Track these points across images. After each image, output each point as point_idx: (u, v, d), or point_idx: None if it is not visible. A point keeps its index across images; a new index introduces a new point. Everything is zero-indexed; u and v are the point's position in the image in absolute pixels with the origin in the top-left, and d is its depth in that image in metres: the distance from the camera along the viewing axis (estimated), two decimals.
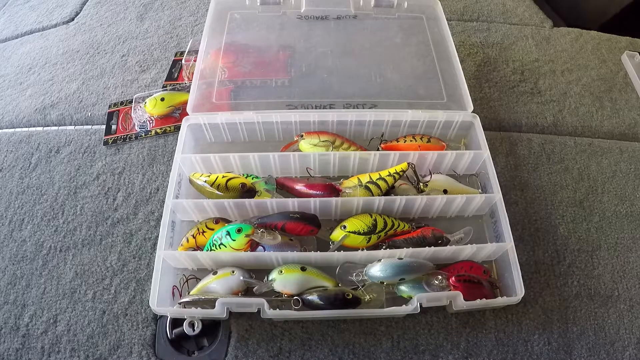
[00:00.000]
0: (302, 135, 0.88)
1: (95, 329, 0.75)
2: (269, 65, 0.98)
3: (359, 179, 0.81)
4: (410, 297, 0.71)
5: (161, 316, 0.75)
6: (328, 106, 0.90)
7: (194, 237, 0.78)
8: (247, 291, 0.74)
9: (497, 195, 0.80)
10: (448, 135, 0.92)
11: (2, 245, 0.85)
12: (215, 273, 0.73)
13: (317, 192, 0.81)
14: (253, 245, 0.74)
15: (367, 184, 0.79)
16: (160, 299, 0.69)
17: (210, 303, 0.69)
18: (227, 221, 0.79)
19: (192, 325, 0.72)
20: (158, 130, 0.99)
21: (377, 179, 0.80)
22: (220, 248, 0.73)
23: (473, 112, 0.89)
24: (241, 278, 0.72)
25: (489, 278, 0.76)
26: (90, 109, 1.04)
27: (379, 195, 0.79)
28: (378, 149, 0.89)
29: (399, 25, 1.05)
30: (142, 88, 1.08)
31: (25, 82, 1.13)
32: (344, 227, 0.76)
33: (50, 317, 0.76)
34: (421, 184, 0.82)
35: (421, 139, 0.89)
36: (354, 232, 0.76)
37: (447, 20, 1.03)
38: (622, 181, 0.96)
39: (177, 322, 0.74)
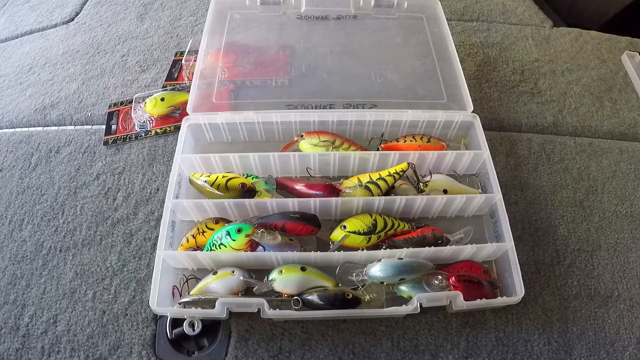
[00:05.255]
0: (302, 135, 0.88)
1: (95, 329, 0.75)
2: (269, 65, 0.98)
3: (359, 179, 0.81)
4: (410, 297, 0.71)
5: (161, 316, 0.75)
6: (328, 106, 0.90)
7: (194, 237, 0.78)
8: (247, 291, 0.74)
9: (497, 195, 0.80)
10: (448, 135, 0.92)
11: (2, 245, 0.85)
12: (215, 273, 0.73)
13: (317, 192, 0.81)
14: (253, 245, 0.74)
15: (367, 184, 0.79)
16: (160, 299, 0.69)
17: (210, 303, 0.69)
18: (227, 221, 0.79)
19: (192, 325, 0.72)
20: (158, 130, 0.99)
21: (377, 179, 0.80)
22: (220, 248, 0.73)
23: (473, 112, 0.89)
24: (241, 278, 0.72)
25: (489, 278, 0.76)
26: (90, 109, 1.04)
27: (379, 195, 0.79)
28: (378, 149, 0.89)
29: (399, 25, 1.05)
30: (142, 88, 1.08)
31: (25, 82, 1.13)
32: (344, 227, 0.76)
33: (50, 317, 0.76)
34: (421, 184, 0.82)
35: (421, 139, 0.89)
36: (354, 232, 0.75)
37: (447, 20, 1.03)
38: (622, 181, 0.96)
39: (177, 322, 0.74)
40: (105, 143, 0.98)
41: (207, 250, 0.74)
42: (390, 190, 0.81)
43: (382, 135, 0.91)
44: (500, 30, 1.26)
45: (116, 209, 0.88)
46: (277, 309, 0.70)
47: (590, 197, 0.93)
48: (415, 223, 0.80)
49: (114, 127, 1.01)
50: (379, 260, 0.72)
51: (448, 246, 0.76)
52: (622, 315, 0.79)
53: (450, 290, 0.71)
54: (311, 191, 0.81)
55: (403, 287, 0.73)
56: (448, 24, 1.02)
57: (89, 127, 1.02)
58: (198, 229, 0.78)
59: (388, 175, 0.80)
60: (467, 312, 0.76)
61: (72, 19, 1.30)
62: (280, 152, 0.85)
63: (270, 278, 0.72)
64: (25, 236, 0.86)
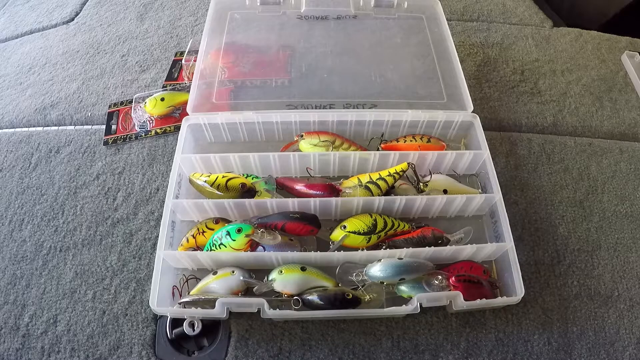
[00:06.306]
0: (302, 135, 0.88)
1: (95, 329, 0.75)
2: (269, 65, 0.98)
3: (359, 179, 0.81)
4: (410, 297, 0.71)
5: (161, 316, 0.75)
6: (328, 106, 0.90)
7: (194, 237, 0.78)
8: (247, 291, 0.74)
9: (497, 195, 0.80)
10: (448, 135, 0.92)
11: (2, 245, 0.85)
12: (215, 273, 0.73)
13: (317, 192, 0.81)
14: (253, 245, 0.74)
15: (367, 184, 0.79)
16: (160, 299, 0.69)
17: (210, 303, 0.69)
18: (227, 221, 0.79)
19: (192, 325, 0.72)
20: (158, 130, 0.99)
21: (377, 179, 0.80)
22: (220, 248, 0.73)
23: (473, 112, 0.89)
24: (241, 278, 0.72)
25: (489, 278, 0.76)
26: (90, 109, 1.04)
27: (379, 195, 0.79)
28: (378, 149, 0.89)
29: (399, 25, 1.05)
30: (142, 88, 1.08)
31: (25, 82, 1.13)
32: (344, 227, 0.76)
33: (50, 317, 0.76)
34: (421, 184, 0.82)
35: (421, 139, 0.89)
36: (354, 232, 0.76)
37: (447, 20, 1.03)
38: (622, 181, 0.96)
39: (177, 322, 0.74)
40: (105, 143, 0.98)
41: (207, 250, 0.74)
42: (390, 190, 0.81)
43: (382, 135, 0.91)
44: (500, 30, 1.26)
45: (116, 209, 0.88)
46: (277, 309, 0.70)
47: (590, 197, 0.93)
48: (415, 223, 0.80)
49: (114, 127, 1.01)
50: (379, 260, 0.72)
51: (448, 246, 0.76)
52: (622, 315, 0.79)
53: (450, 290, 0.71)
54: (311, 191, 0.81)
55: (403, 287, 0.73)
56: (448, 24, 1.02)
57: (89, 127, 1.02)
58: (198, 229, 0.78)
59: (388, 175, 0.80)
60: (467, 312, 0.76)
61: (72, 19, 1.30)
62: (280, 152, 0.85)
63: (270, 278, 0.72)
64: (25, 236, 0.86)
